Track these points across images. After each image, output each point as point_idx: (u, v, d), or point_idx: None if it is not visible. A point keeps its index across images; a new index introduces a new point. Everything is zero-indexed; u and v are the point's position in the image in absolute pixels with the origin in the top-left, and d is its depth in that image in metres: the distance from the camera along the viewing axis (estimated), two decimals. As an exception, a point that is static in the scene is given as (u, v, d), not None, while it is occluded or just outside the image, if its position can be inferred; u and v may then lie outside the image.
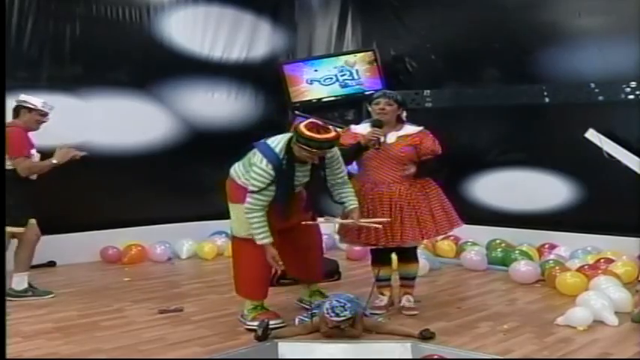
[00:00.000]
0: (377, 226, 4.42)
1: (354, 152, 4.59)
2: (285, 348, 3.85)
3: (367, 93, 7.77)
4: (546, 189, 6.77)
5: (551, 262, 5.82)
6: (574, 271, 5.42)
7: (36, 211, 5.22)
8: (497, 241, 6.58)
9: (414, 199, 4.58)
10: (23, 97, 5.23)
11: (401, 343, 3.90)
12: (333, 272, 5.73)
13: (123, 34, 6.89)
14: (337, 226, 4.74)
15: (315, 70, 7.88)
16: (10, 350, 3.48)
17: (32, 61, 6.29)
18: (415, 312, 4.69)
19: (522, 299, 5.19)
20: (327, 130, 4.08)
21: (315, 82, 7.89)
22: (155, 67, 7.11)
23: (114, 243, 6.64)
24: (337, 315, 4.03)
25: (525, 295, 5.30)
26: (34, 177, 5.16)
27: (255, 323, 4.13)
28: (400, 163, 4.60)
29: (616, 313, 4.49)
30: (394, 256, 4.96)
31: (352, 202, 4.35)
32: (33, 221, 5.20)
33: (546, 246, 6.54)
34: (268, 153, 4.13)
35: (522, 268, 5.75)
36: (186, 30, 7.38)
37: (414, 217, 4.55)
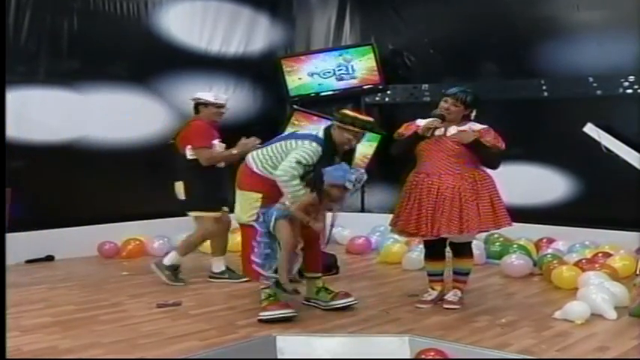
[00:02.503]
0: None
1: (411, 142, 4.69)
2: (282, 342, 3.85)
3: (365, 87, 7.79)
4: (544, 183, 6.78)
5: (549, 256, 5.83)
6: (570, 265, 5.44)
7: (226, 199, 5.42)
8: (495, 236, 6.57)
9: (463, 192, 4.54)
10: (198, 94, 5.58)
11: (399, 337, 3.91)
12: (331, 266, 5.73)
13: (121, 28, 6.88)
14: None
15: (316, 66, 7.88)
16: (9, 344, 3.47)
17: (30, 55, 6.28)
18: (455, 307, 4.65)
19: (520, 293, 5.20)
20: (366, 115, 4.59)
21: (316, 74, 7.89)
22: (153, 61, 7.09)
23: (112, 237, 6.64)
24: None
25: (523, 289, 5.31)
26: (221, 165, 5.42)
27: (267, 313, 4.27)
28: (454, 156, 4.60)
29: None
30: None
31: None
32: (225, 208, 5.48)
33: (544, 240, 6.55)
34: (316, 138, 4.41)
35: (515, 261, 5.77)
36: (184, 24, 7.36)
37: (456, 210, 4.51)
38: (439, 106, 4.71)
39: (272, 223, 4.26)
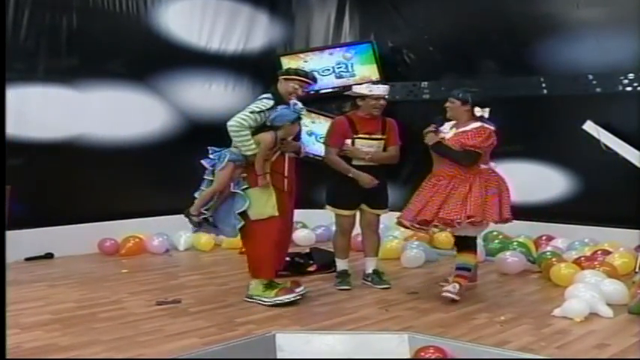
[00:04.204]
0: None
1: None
2: (282, 339, 3.86)
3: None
4: (544, 181, 6.78)
5: (548, 253, 5.83)
6: (569, 262, 5.44)
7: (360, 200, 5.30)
8: (495, 233, 6.58)
9: (473, 186, 4.72)
10: (354, 88, 5.43)
11: (398, 334, 3.91)
12: (330, 264, 5.73)
13: (120, 25, 6.87)
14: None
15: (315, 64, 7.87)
16: (9, 342, 3.48)
17: (29, 52, 6.27)
18: (453, 296, 4.76)
19: (519, 291, 5.20)
20: None
21: (314, 72, 7.88)
22: (152, 59, 7.09)
23: (112, 235, 6.64)
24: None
25: (522, 287, 5.32)
26: (357, 162, 5.24)
27: (281, 298, 4.59)
28: (433, 151, 4.88)
29: (611, 305, 4.49)
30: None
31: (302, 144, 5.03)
32: (364, 206, 5.32)
33: (544, 238, 6.56)
34: (267, 96, 4.74)
35: (509, 258, 5.79)
36: (183, 21, 7.36)
37: (460, 200, 4.67)
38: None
39: (221, 165, 4.58)
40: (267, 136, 4.58)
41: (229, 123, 4.57)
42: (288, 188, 4.81)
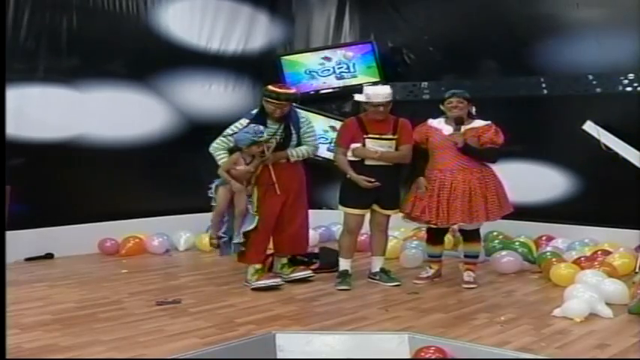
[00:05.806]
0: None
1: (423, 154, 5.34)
2: (282, 339, 3.86)
3: (364, 85, 7.78)
4: (544, 181, 6.78)
5: (548, 253, 5.83)
6: (569, 263, 5.44)
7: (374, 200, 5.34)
8: (495, 233, 6.58)
9: (472, 187, 5.13)
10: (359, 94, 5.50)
11: (398, 334, 3.91)
12: (333, 263, 5.73)
13: (120, 25, 6.88)
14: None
15: (324, 58, 7.91)
16: (9, 342, 3.48)
17: (29, 52, 6.27)
18: (473, 285, 5.24)
19: (519, 291, 5.20)
20: (287, 88, 5.44)
21: (314, 72, 7.90)
22: (152, 59, 7.09)
23: (112, 235, 6.64)
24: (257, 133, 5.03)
25: (522, 287, 5.32)
26: (369, 162, 5.29)
27: (261, 282, 5.11)
28: (463, 153, 5.17)
29: (611, 305, 4.50)
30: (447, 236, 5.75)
31: (290, 152, 5.33)
32: (376, 207, 5.37)
33: (544, 238, 6.55)
34: (248, 114, 5.37)
35: (503, 258, 5.80)
36: (183, 21, 7.36)
37: (467, 202, 5.12)
38: (445, 109, 5.29)
39: (213, 189, 5.20)
40: (233, 156, 5.17)
41: (210, 148, 5.27)
42: (283, 191, 5.25)
